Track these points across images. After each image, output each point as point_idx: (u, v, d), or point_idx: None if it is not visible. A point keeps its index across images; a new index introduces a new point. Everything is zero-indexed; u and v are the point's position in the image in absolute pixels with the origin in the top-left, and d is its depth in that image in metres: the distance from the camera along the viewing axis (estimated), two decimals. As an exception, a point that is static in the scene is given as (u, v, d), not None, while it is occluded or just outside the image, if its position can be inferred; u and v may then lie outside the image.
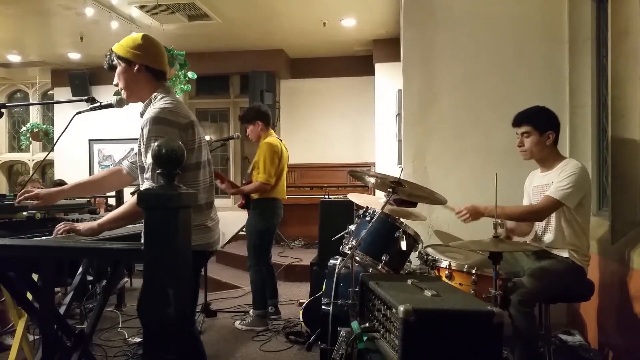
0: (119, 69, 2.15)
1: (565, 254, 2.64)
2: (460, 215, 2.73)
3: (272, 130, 4.25)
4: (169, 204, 1.33)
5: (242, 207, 4.25)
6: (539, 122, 2.71)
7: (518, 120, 2.76)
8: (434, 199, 2.73)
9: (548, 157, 2.75)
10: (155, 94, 2.14)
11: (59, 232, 1.98)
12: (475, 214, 2.70)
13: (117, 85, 2.18)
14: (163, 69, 2.19)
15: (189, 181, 2.06)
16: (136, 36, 2.16)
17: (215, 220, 2.23)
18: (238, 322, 4.10)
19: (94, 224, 2.02)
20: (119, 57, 2.13)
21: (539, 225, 2.80)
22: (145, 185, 2.01)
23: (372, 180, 2.87)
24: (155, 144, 1.43)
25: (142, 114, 2.14)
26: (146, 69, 2.13)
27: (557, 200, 2.59)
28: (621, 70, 2.87)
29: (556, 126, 2.73)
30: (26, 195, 2.15)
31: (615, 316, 2.90)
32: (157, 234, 1.34)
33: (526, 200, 2.95)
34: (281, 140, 4.24)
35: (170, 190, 1.36)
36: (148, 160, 1.98)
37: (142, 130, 2.01)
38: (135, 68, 2.12)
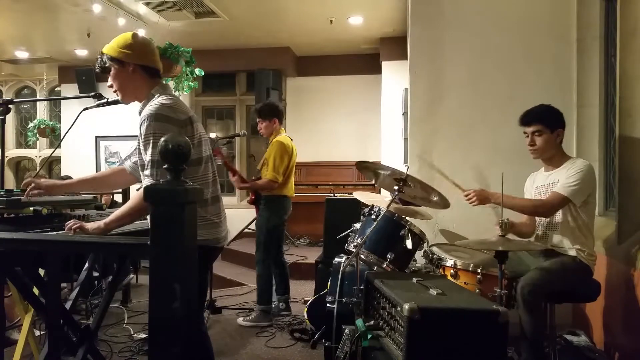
0: (113, 71, 2.12)
1: (572, 252, 2.63)
2: (467, 197, 2.73)
3: (283, 129, 4.32)
4: (175, 199, 1.34)
5: (252, 203, 4.27)
6: (550, 121, 2.69)
7: (528, 119, 2.73)
8: (441, 202, 2.72)
9: (555, 155, 2.74)
10: (152, 91, 2.13)
11: (67, 230, 1.99)
12: (482, 199, 2.69)
13: (111, 87, 2.16)
14: (156, 66, 2.18)
15: (188, 177, 2.05)
16: (126, 36, 2.14)
17: (223, 216, 2.23)
18: (241, 318, 4.11)
19: (101, 223, 2.02)
20: (111, 59, 2.11)
21: (543, 225, 2.79)
22: (146, 182, 2.00)
23: (381, 172, 2.84)
24: (162, 139, 1.42)
25: (140, 112, 2.12)
26: (141, 68, 2.12)
27: (565, 197, 2.58)
28: (629, 70, 2.85)
29: (564, 124, 2.73)
30: (28, 185, 2.15)
31: (621, 317, 2.88)
32: (164, 229, 1.34)
33: None
34: (291, 140, 4.28)
35: (176, 186, 1.36)
36: (147, 157, 1.97)
37: (141, 127, 2.01)
38: (130, 69, 2.10)
